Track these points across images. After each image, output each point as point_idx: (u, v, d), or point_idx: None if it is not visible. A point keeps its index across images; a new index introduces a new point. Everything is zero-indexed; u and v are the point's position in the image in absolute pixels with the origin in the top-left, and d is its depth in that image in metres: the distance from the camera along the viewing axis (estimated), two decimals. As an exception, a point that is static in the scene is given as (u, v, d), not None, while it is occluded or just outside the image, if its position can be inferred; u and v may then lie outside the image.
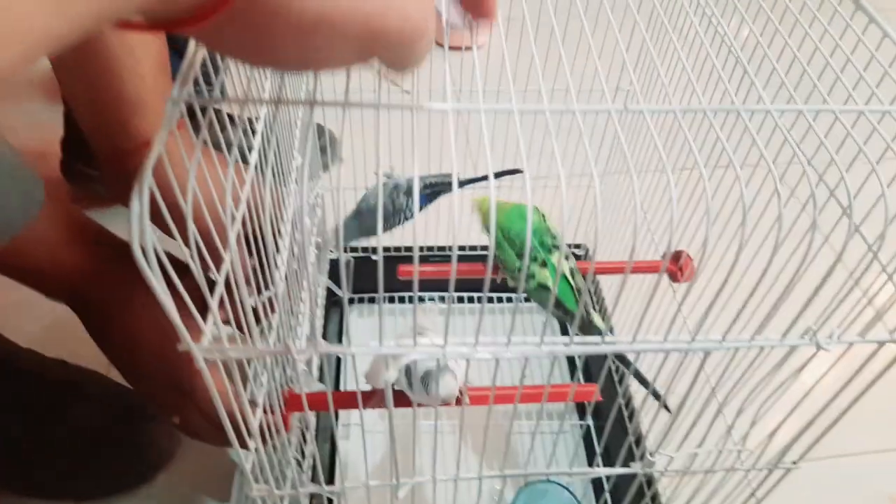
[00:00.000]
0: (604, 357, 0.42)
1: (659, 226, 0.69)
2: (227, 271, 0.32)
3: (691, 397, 0.38)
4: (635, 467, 0.44)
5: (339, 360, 0.85)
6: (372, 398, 0.54)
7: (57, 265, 0.58)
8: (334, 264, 0.84)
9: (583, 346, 0.35)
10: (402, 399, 0.53)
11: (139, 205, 0.26)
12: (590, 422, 0.76)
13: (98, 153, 0.63)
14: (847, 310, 0.35)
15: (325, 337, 0.83)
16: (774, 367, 0.37)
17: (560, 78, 0.42)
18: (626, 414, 0.71)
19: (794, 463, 0.42)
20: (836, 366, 0.40)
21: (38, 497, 0.74)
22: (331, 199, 0.83)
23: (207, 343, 0.31)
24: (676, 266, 0.59)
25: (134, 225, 0.26)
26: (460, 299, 0.89)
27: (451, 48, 1.40)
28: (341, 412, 0.80)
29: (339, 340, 0.85)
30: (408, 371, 0.44)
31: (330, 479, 0.73)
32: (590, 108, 0.30)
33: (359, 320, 0.90)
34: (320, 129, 1.06)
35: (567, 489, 0.45)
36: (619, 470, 0.44)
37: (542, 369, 0.86)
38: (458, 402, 0.53)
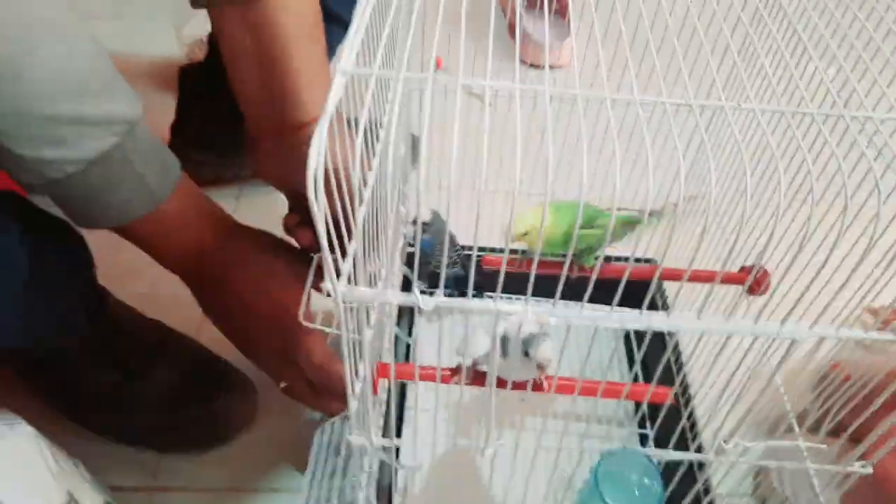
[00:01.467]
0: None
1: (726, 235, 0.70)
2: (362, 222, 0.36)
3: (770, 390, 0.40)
4: (708, 454, 0.46)
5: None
6: (456, 374, 0.58)
7: (182, 237, 0.64)
8: (410, 256, 0.88)
9: (664, 320, 0.38)
10: (480, 379, 0.57)
11: (316, 153, 0.30)
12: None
13: (257, 129, 0.70)
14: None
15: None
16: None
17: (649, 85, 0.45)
18: (680, 400, 0.72)
19: (864, 467, 0.44)
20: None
21: (125, 444, 0.80)
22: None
23: (344, 287, 0.35)
24: (754, 278, 0.62)
25: (311, 170, 0.30)
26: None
27: (533, 65, 1.45)
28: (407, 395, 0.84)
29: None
30: (504, 340, 0.47)
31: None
32: (707, 103, 0.33)
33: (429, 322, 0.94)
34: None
35: (647, 457, 0.47)
36: (691, 455, 0.47)
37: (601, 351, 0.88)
38: (539, 388, 0.56)
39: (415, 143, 1.13)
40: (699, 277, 0.70)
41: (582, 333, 0.94)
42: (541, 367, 0.47)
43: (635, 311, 0.38)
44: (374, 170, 0.41)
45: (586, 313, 0.39)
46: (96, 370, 0.78)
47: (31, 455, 0.55)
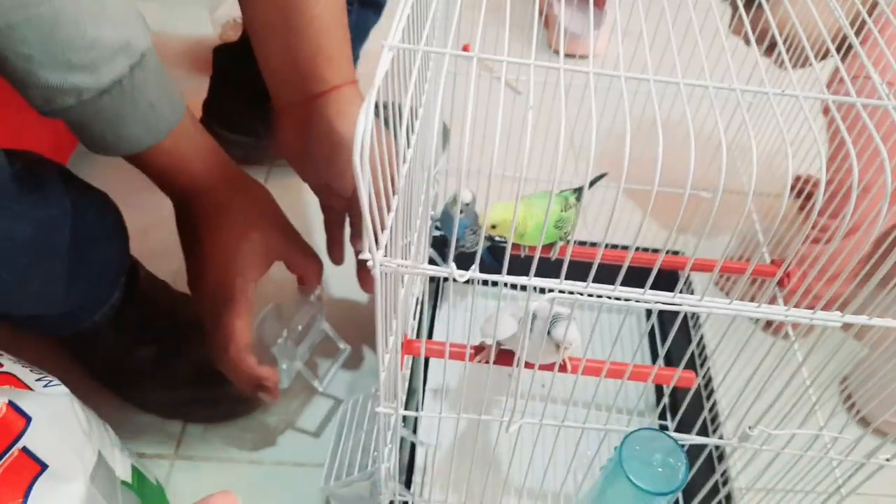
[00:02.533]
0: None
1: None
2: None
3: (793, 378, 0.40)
4: (732, 440, 0.46)
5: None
6: (481, 352, 0.59)
7: (183, 169, 0.67)
8: (436, 240, 0.89)
9: (692, 304, 0.39)
10: (506, 358, 0.58)
11: (364, 121, 0.31)
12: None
13: (279, 101, 0.72)
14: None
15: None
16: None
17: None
18: (702, 386, 0.72)
19: (888, 460, 0.44)
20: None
21: (155, 414, 0.82)
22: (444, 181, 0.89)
23: (382, 255, 0.36)
24: (784, 272, 0.62)
25: (357, 139, 0.31)
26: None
27: (567, 55, 1.44)
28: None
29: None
30: (533, 317, 0.48)
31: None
32: (749, 88, 0.33)
33: (457, 303, 0.95)
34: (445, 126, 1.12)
35: (671, 437, 0.48)
36: (713, 440, 0.47)
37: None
38: (563, 368, 0.57)
39: (445, 130, 1.14)
40: (731, 269, 0.71)
41: (607, 324, 0.96)
42: (561, 348, 0.47)
43: (668, 293, 0.38)
44: (411, 146, 0.42)
45: (620, 292, 0.39)
46: (134, 345, 0.80)
47: (65, 413, 0.57)
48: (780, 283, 0.62)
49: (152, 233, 0.84)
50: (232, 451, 0.80)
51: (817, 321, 0.36)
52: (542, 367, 0.52)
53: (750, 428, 0.45)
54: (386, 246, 0.37)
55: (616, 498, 0.50)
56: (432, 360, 0.86)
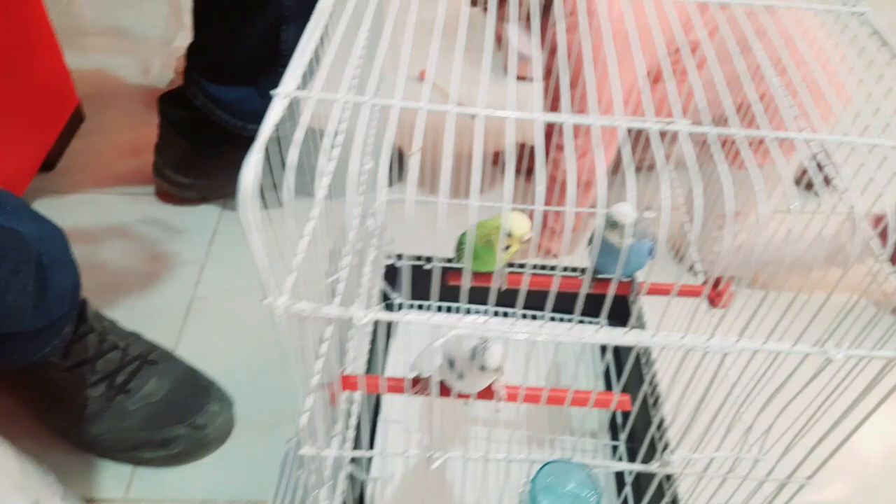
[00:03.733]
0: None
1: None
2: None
3: (709, 399, 0.41)
4: (652, 465, 0.47)
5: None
6: (417, 385, 0.59)
7: None
8: (389, 269, 0.89)
9: (609, 335, 0.39)
10: (443, 389, 0.58)
11: (250, 170, 0.31)
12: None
13: None
14: (864, 323, 0.37)
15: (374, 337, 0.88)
16: (787, 377, 0.40)
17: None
18: (651, 406, 0.72)
19: (808, 478, 0.45)
20: (856, 380, 0.42)
21: (104, 457, 0.81)
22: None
23: (285, 300, 0.36)
24: (716, 292, 0.63)
25: (243, 187, 0.31)
26: (504, 314, 0.93)
27: (519, 78, 1.46)
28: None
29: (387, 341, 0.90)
30: (451, 362, 0.48)
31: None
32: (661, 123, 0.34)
33: (409, 326, 0.95)
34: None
35: (586, 469, 0.48)
36: (636, 466, 0.47)
37: (574, 356, 0.89)
38: (489, 395, 0.57)
39: (400, 158, 1.15)
40: (659, 291, 0.71)
41: (568, 350, 0.96)
42: (487, 372, 0.47)
43: (594, 326, 0.39)
44: (323, 185, 0.42)
45: (547, 329, 0.39)
46: (83, 382, 0.79)
47: (-4, 466, 0.56)
48: (712, 304, 0.63)
49: (99, 271, 0.84)
50: (183, 491, 0.79)
51: (714, 349, 0.37)
52: (480, 396, 0.52)
53: (671, 452, 0.45)
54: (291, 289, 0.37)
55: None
56: (389, 395, 0.85)
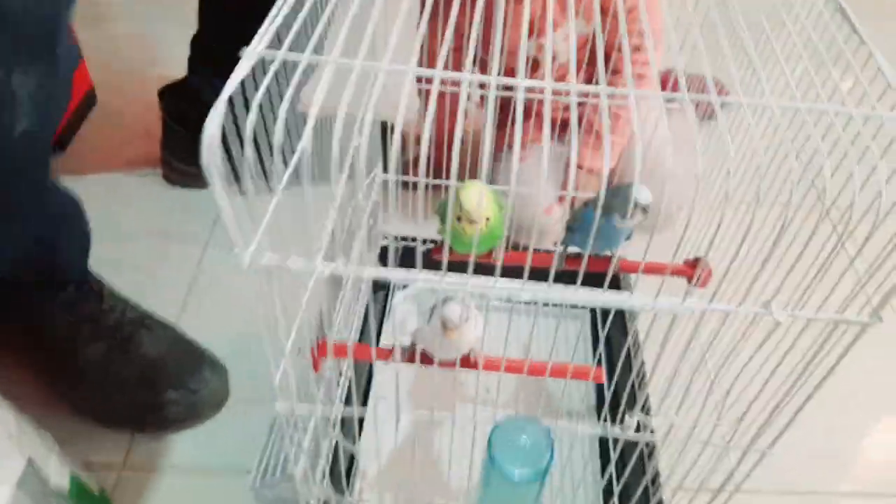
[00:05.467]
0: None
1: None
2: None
3: (664, 360, 0.42)
4: (614, 431, 0.48)
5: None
6: (401, 353, 0.60)
7: None
8: (382, 250, 0.91)
9: (588, 295, 0.40)
10: (424, 359, 0.59)
11: (212, 125, 0.33)
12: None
13: None
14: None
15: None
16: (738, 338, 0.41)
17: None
18: (634, 377, 0.73)
19: (769, 448, 0.45)
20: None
21: (102, 424, 0.83)
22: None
23: (250, 252, 0.38)
24: (694, 271, 0.63)
25: (205, 141, 0.33)
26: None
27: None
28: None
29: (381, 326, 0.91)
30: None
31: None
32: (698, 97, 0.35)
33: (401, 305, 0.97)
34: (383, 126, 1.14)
35: (540, 425, 0.49)
36: (598, 430, 0.48)
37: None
38: (474, 365, 0.58)
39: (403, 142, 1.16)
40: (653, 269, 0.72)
41: (556, 327, 0.97)
42: (449, 329, 0.48)
43: (573, 287, 0.40)
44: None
45: (528, 288, 0.40)
46: (86, 338, 0.82)
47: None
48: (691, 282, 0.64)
49: (104, 247, 0.87)
50: (179, 459, 0.81)
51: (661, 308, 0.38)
52: (443, 365, 0.53)
53: (629, 416, 0.46)
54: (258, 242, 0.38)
55: (492, 487, 0.51)
56: (380, 372, 0.87)
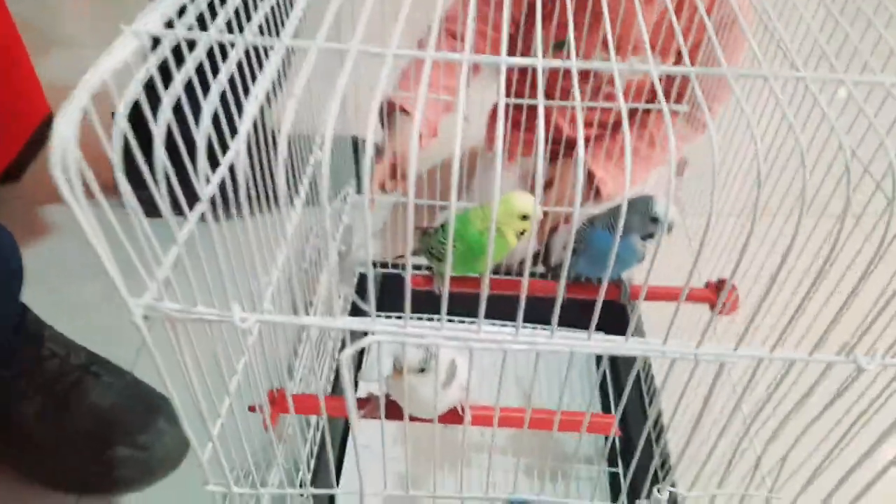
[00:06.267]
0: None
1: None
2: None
3: (711, 420, 0.32)
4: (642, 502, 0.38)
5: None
6: (366, 405, 0.50)
7: None
8: (361, 278, 0.81)
9: (603, 343, 0.31)
10: (394, 411, 0.50)
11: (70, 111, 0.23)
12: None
13: None
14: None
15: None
16: (805, 393, 0.30)
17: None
18: (653, 436, 0.63)
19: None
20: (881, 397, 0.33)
21: (46, 486, 0.73)
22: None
23: (148, 300, 0.28)
24: (717, 296, 0.54)
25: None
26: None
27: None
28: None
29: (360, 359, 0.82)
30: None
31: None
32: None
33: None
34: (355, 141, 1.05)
35: None
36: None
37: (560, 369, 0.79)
38: (460, 419, 0.49)
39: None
40: (665, 295, 0.63)
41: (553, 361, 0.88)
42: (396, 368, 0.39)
43: (583, 333, 0.30)
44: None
45: (523, 338, 0.31)
46: (17, 393, 0.72)
47: None
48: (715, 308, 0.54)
49: (51, 281, 0.78)
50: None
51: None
52: (416, 420, 0.43)
53: (658, 490, 0.36)
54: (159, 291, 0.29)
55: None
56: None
